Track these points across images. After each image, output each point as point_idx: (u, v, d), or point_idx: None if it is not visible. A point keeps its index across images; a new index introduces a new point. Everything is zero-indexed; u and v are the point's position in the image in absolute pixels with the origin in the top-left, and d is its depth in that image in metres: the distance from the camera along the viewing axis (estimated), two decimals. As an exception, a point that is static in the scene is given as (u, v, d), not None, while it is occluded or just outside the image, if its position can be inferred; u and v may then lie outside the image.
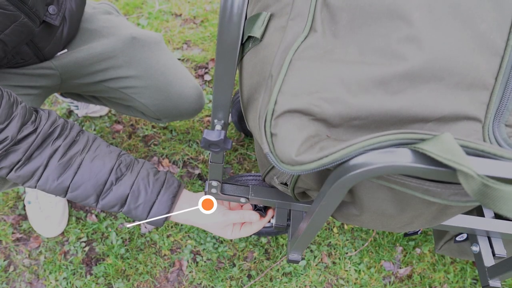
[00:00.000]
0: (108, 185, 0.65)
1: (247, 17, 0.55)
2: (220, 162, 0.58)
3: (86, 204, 0.67)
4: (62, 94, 1.18)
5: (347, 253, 1.12)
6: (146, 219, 0.67)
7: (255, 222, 0.75)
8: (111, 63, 0.87)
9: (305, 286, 1.06)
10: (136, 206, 0.66)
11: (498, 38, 0.44)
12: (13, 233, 1.09)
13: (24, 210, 1.12)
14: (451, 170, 0.34)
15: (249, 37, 0.51)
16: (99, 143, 0.68)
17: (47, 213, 1.07)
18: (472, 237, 0.73)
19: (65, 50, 0.84)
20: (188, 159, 1.24)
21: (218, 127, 0.46)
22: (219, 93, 0.42)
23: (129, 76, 0.88)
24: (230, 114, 1.38)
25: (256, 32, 0.49)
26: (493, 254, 0.69)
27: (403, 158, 0.35)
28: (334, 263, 1.10)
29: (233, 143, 1.28)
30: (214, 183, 0.66)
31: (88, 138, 0.67)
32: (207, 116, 1.32)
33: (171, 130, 1.29)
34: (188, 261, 1.08)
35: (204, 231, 1.12)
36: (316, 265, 1.09)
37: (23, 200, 1.14)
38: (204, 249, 1.10)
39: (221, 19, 0.31)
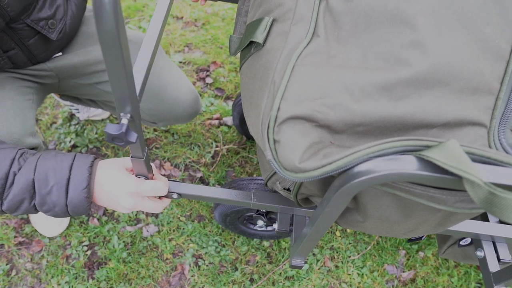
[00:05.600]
0: (10, 178, 0.55)
1: (249, 22, 0.54)
2: (141, 156, 0.55)
3: None
4: (61, 97, 1.18)
5: (349, 256, 1.11)
6: (66, 204, 0.57)
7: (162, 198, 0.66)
8: None
9: (308, 290, 1.06)
10: (48, 191, 0.55)
11: (503, 43, 0.44)
12: (15, 236, 1.09)
13: (26, 214, 1.12)
14: (457, 177, 0.34)
15: (251, 42, 0.51)
16: None
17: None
18: (476, 241, 0.72)
19: (60, 54, 0.85)
20: (189, 162, 1.23)
21: (124, 120, 0.44)
22: (115, 86, 0.40)
23: None
24: (232, 117, 1.37)
25: (258, 37, 0.49)
26: (498, 259, 0.68)
27: (408, 165, 0.35)
28: (336, 266, 1.09)
29: (235, 146, 1.27)
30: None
31: None
32: (208, 119, 1.32)
33: (173, 134, 1.28)
34: (190, 265, 1.07)
35: (207, 234, 1.12)
36: (318, 269, 1.09)
37: (25, 204, 1.14)
38: (206, 253, 1.09)
39: (95, 9, 0.31)
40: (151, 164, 0.63)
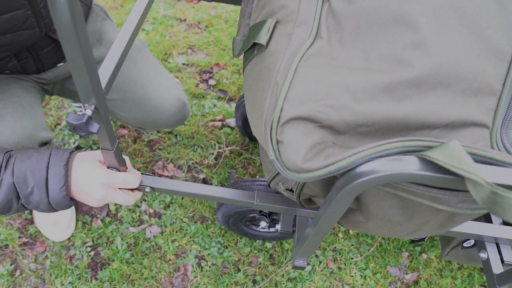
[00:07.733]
0: None
1: (252, 24, 0.55)
2: (110, 149, 0.56)
3: None
4: None
5: (352, 258, 1.11)
6: (49, 201, 0.60)
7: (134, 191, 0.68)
8: None
9: (311, 291, 1.06)
10: (30, 192, 0.59)
11: (505, 44, 0.44)
12: (19, 237, 1.10)
13: (31, 214, 1.13)
14: (459, 178, 0.34)
15: (255, 43, 0.51)
16: None
17: (55, 218, 1.07)
18: (480, 243, 0.72)
19: (62, 64, 0.87)
20: (192, 163, 1.24)
21: (87, 111, 0.45)
22: (77, 77, 0.41)
23: None
24: (235, 119, 1.37)
25: (262, 39, 0.49)
26: (502, 261, 0.68)
27: (411, 165, 0.35)
28: (339, 268, 1.09)
29: (238, 148, 1.28)
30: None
31: None
32: (211, 121, 1.32)
33: (176, 135, 1.29)
34: (193, 266, 1.08)
35: (209, 236, 1.12)
36: (321, 271, 1.09)
37: (29, 205, 1.15)
38: (209, 254, 1.10)
39: (49, 1, 0.31)
40: (124, 157, 0.64)
